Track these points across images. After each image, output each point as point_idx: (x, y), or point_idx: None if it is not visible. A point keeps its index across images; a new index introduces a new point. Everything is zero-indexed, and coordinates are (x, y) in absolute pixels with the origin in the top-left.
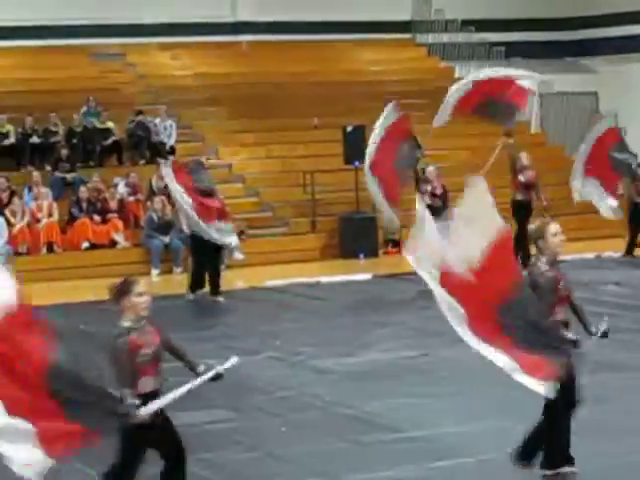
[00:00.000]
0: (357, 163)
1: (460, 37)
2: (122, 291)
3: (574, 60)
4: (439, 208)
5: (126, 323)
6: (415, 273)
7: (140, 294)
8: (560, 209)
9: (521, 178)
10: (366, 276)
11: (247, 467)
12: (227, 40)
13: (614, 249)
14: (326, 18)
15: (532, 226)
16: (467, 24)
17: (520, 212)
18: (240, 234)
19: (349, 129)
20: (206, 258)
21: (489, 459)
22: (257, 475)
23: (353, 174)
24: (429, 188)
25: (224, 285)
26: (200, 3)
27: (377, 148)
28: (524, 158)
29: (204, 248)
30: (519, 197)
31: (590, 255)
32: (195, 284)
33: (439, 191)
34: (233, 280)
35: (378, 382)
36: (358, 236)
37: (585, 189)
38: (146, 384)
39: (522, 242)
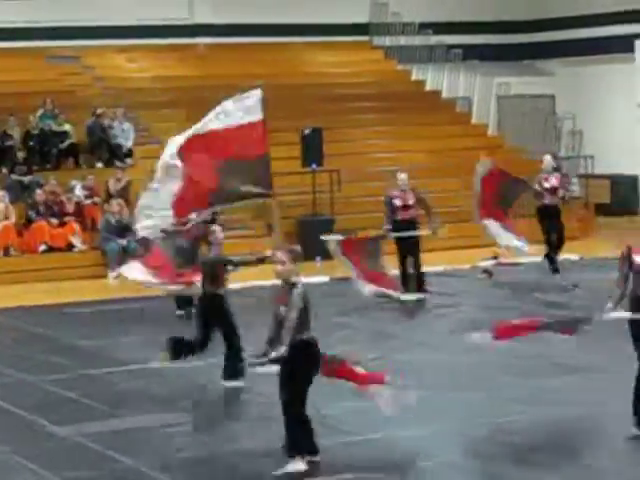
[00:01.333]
0: (314, 165)
1: (417, 40)
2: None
3: (531, 62)
4: (411, 221)
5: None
6: None
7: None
8: (518, 211)
9: (545, 184)
10: (323, 279)
11: (205, 470)
12: (184, 42)
13: (572, 252)
14: (283, 20)
15: None
16: (424, 27)
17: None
18: None
19: (306, 132)
20: None
21: (445, 462)
22: (215, 478)
23: (310, 177)
24: (399, 202)
25: None
26: (157, 5)
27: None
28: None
29: None
30: (546, 202)
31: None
32: (180, 300)
33: (411, 201)
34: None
35: (335, 385)
36: (316, 239)
37: (489, 232)
38: None
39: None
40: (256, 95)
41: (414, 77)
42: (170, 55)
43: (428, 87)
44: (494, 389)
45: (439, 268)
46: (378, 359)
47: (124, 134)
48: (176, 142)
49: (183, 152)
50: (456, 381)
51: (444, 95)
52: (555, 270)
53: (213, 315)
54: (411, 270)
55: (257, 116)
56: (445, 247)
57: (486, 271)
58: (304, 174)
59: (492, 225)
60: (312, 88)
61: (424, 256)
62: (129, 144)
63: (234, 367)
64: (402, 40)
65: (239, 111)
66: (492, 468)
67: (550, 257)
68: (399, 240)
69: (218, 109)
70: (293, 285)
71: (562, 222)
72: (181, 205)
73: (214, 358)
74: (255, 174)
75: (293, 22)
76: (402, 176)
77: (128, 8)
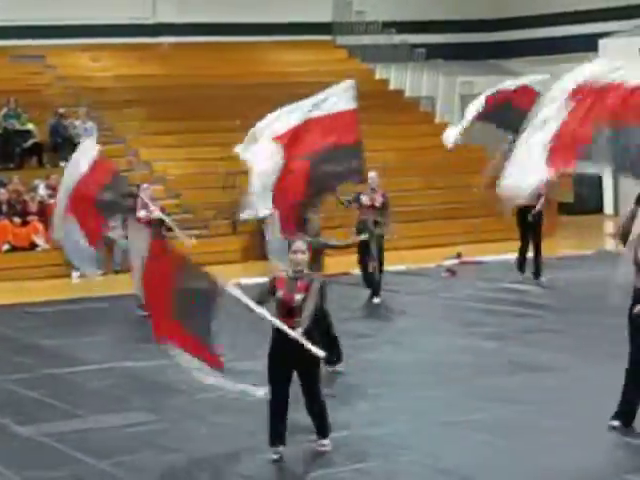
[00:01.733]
0: None
1: (381, 39)
2: None
3: (495, 62)
4: (375, 222)
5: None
6: (337, 275)
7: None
8: (482, 210)
9: None
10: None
11: (167, 469)
12: (148, 42)
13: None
14: (247, 20)
15: None
16: (388, 26)
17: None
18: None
19: None
20: None
21: (411, 460)
22: (177, 477)
23: None
24: (366, 200)
25: None
26: (120, 5)
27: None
28: None
29: None
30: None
31: (511, 256)
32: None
33: (379, 202)
34: None
35: (298, 384)
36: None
37: None
38: None
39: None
40: (349, 85)
41: (378, 76)
42: (133, 54)
43: (392, 86)
44: (456, 387)
45: (402, 267)
46: (347, 359)
47: (87, 133)
48: (271, 131)
49: (280, 142)
50: (420, 379)
51: (407, 94)
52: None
53: None
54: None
55: (350, 105)
56: (409, 246)
57: (450, 270)
58: None
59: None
60: (276, 87)
61: (388, 254)
62: None
63: (331, 353)
64: (366, 39)
65: (332, 100)
66: (454, 466)
67: (520, 261)
68: (362, 240)
69: (311, 100)
70: (310, 275)
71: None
72: (279, 195)
73: None
74: (348, 160)
75: (256, 21)
76: (372, 175)
77: (92, 7)
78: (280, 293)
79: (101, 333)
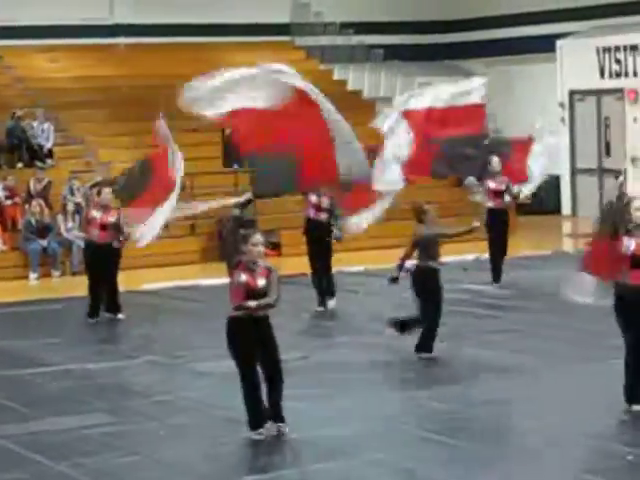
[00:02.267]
0: (236, 165)
1: (339, 40)
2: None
3: (453, 63)
4: (323, 223)
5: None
6: (295, 275)
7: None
8: (451, 211)
9: (491, 184)
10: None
11: (126, 471)
12: (105, 42)
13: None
14: (204, 20)
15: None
16: (346, 27)
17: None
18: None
19: (228, 131)
20: (102, 274)
21: (369, 461)
22: (136, 479)
23: (232, 177)
24: (314, 199)
25: None
26: (78, 5)
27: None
28: (495, 163)
29: (100, 262)
30: (490, 205)
31: (469, 257)
32: (92, 309)
33: (326, 204)
34: None
35: None
36: None
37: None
38: None
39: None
40: (482, 82)
41: (336, 77)
42: (91, 55)
43: (350, 87)
44: (414, 388)
45: (361, 268)
46: (302, 359)
47: (44, 135)
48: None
49: (412, 120)
50: (378, 380)
51: (365, 95)
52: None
53: (426, 288)
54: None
55: (480, 100)
56: (367, 247)
57: (408, 270)
58: (226, 174)
59: None
60: None
61: (346, 256)
62: (49, 145)
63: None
64: (324, 40)
65: (467, 93)
66: (414, 467)
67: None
68: (310, 242)
69: (449, 89)
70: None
71: (506, 228)
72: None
73: (137, 359)
74: (473, 148)
75: (214, 22)
76: None
77: (49, 8)
78: (244, 277)
79: (59, 335)
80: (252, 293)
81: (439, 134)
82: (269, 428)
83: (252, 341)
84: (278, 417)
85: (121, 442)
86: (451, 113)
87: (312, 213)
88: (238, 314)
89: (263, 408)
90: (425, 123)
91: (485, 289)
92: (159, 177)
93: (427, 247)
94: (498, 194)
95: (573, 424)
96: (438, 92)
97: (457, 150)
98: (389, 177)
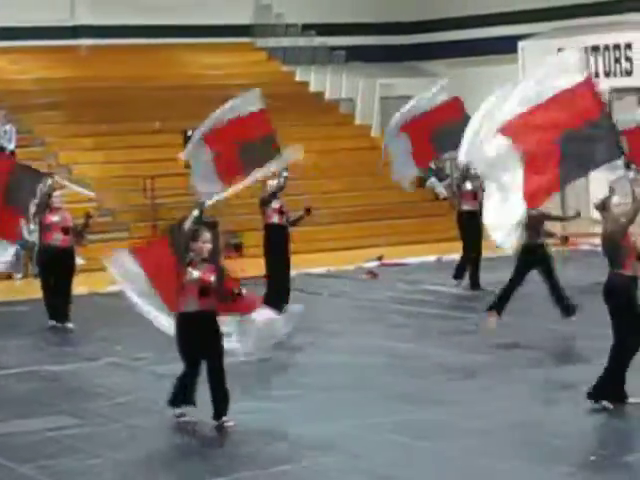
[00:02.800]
0: None
1: (301, 41)
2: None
3: (415, 64)
4: (285, 227)
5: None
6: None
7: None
8: (402, 212)
9: (468, 186)
10: None
11: (89, 474)
12: (66, 44)
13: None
14: (166, 22)
15: None
16: (308, 28)
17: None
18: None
19: (190, 133)
20: (58, 278)
21: (332, 462)
22: None
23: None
24: (277, 205)
25: None
26: (39, 7)
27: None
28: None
29: (58, 267)
30: (466, 207)
31: (431, 258)
32: (52, 312)
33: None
34: (73, 285)
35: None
36: None
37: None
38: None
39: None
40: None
41: (298, 78)
42: (52, 57)
43: (312, 88)
44: (377, 389)
45: (323, 269)
46: (264, 360)
47: (6, 136)
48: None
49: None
50: (342, 381)
51: (327, 96)
52: (457, 277)
53: (537, 263)
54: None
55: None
56: (329, 248)
57: (370, 272)
58: (187, 175)
59: None
60: (196, 90)
61: (309, 257)
62: (11, 146)
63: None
64: (285, 41)
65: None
66: (375, 467)
67: (461, 266)
68: (277, 247)
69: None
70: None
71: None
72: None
73: (100, 361)
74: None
75: (176, 24)
76: (274, 183)
77: (9, 9)
78: (197, 274)
79: (22, 337)
80: (205, 289)
81: (556, 133)
82: (183, 412)
83: (200, 335)
84: (223, 411)
85: (84, 444)
86: (559, 100)
87: (276, 219)
88: (188, 310)
89: (190, 394)
90: (536, 128)
91: (447, 290)
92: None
93: (535, 224)
94: (475, 196)
95: (533, 425)
96: (527, 84)
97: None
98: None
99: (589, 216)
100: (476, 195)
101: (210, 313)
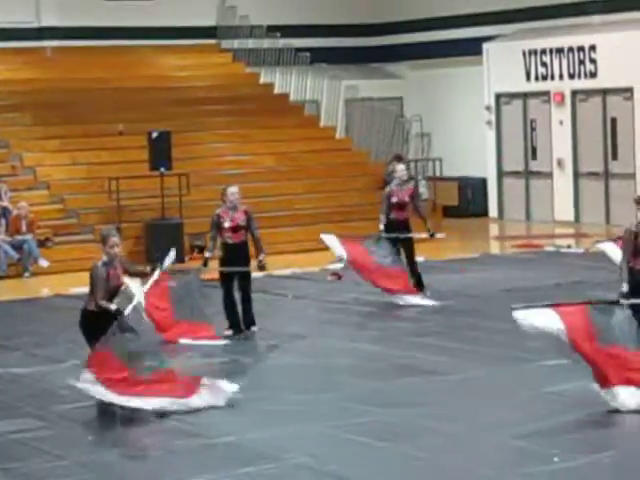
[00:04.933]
0: (163, 169)
1: (265, 43)
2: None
3: (379, 65)
4: (238, 245)
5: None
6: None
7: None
8: (364, 214)
9: (393, 199)
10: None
11: (53, 476)
12: (31, 46)
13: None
14: (131, 24)
15: None
16: (272, 30)
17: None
18: (45, 241)
19: (154, 135)
20: None
21: (296, 464)
22: None
23: (159, 180)
24: (227, 224)
25: (29, 292)
26: (3, 8)
27: None
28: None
29: None
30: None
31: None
32: None
33: (242, 221)
34: (38, 288)
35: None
36: (164, 242)
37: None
38: None
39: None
40: None
41: (262, 80)
42: (17, 58)
43: (276, 90)
44: (341, 390)
45: (288, 271)
46: (228, 363)
47: None
48: None
49: None
50: (306, 383)
51: (292, 98)
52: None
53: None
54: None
55: None
56: (294, 250)
57: (335, 273)
58: (152, 177)
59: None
60: (160, 91)
61: (272, 259)
62: None
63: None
64: (250, 43)
65: None
66: (338, 469)
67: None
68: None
69: None
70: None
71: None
72: None
73: (65, 363)
74: None
75: (140, 25)
76: (232, 190)
77: None
78: (108, 274)
79: None
80: (116, 290)
81: None
82: None
83: (103, 332)
84: None
85: (49, 447)
86: None
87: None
88: (94, 308)
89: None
90: None
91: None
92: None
93: None
94: (402, 206)
95: (496, 426)
96: None
97: None
98: None
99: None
100: (403, 205)
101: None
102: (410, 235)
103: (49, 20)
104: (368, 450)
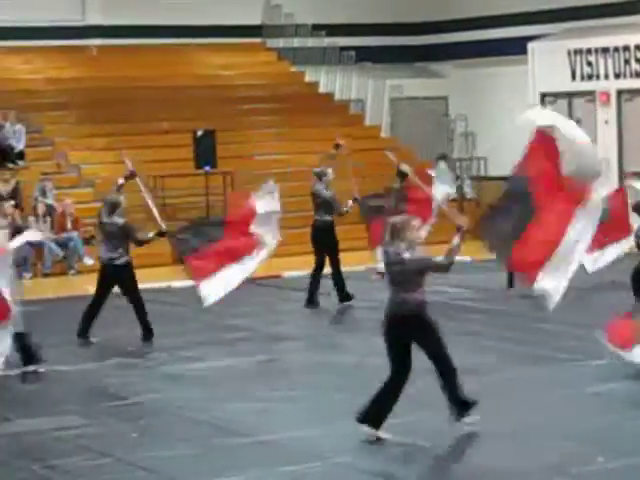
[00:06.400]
0: (208, 168)
1: (310, 42)
2: None
3: (424, 65)
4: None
5: None
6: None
7: None
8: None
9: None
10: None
11: (97, 473)
12: (77, 44)
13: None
14: (177, 22)
15: None
16: (318, 28)
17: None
18: (91, 239)
19: (199, 133)
20: None
21: (337, 462)
22: None
23: (203, 179)
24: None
25: (74, 290)
26: (50, 6)
27: None
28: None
29: None
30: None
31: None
32: None
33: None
34: (83, 285)
35: (228, 387)
36: None
37: None
38: None
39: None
40: None
41: (308, 79)
42: (63, 57)
43: (322, 89)
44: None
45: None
46: (269, 361)
47: (16, 136)
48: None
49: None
50: (345, 382)
51: (337, 97)
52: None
53: None
54: None
55: None
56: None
57: (380, 272)
58: (197, 176)
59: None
60: (205, 90)
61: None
62: (21, 146)
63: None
64: (295, 42)
65: None
66: (384, 468)
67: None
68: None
69: None
70: None
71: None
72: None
73: (109, 361)
74: None
75: (186, 24)
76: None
77: (21, 9)
78: None
79: (33, 337)
80: None
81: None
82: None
83: None
84: None
85: (94, 444)
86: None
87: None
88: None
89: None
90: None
91: (450, 291)
92: (234, 233)
93: None
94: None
95: (539, 426)
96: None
97: None
98: None
99: None
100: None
101: None
102: None
103: (94, 18)
104: (412, 450)
